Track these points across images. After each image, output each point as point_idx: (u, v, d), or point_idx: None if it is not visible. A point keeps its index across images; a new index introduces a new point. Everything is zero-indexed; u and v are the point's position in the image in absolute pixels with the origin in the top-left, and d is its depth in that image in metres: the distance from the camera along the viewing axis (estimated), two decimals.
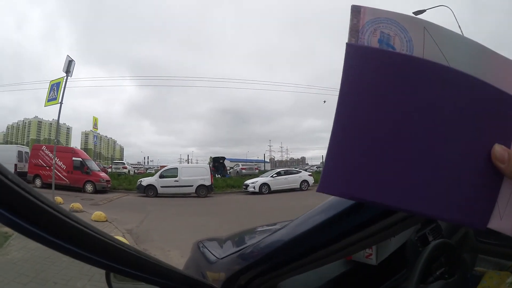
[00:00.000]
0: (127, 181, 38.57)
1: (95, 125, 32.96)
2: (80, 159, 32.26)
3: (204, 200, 28.60)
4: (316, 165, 72.46)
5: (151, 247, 11.03)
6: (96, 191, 30.61)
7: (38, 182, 30.55)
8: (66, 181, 30.65)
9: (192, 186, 31.19)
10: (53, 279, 6.53)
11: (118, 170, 57.91)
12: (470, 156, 0.72)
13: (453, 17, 24.40)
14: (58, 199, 19.61)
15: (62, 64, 21.21)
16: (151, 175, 38.25)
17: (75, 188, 30.22)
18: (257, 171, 53.70)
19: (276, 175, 34.12)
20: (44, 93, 22.15)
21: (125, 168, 65.00)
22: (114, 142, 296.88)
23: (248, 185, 33.68)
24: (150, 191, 30.67)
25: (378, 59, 0.72)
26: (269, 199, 27.43)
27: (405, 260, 1.91)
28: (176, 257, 9.51)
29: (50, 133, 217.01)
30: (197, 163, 66.97)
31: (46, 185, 26.72)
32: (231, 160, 71.41)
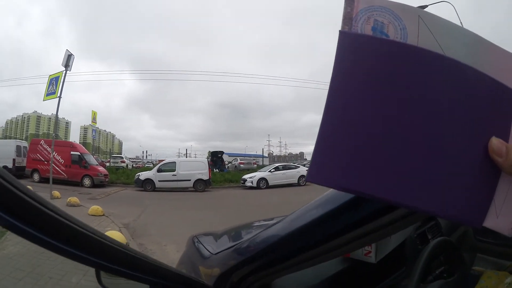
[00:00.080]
0: (125, 175, 38.59)
1: (94, 119, 33.03)
2: (78, 153, 32.32)
3: (201, 195, 28.72)
4: None
5: (147, 241, 11.06)
6: (94, 185, 30.66)
7: (36, 176, 30.94)
8: (64, 175, 30.78)
9: (190, 180, 31.20)
10: (48, 274, 6.55)
11: (116, 164, 58.08)
12: (466, 149, 0.69)
13: (454, 13, 24.32)
14: (56, 193, 19.79)
15: (62, 59, 21.23)
16: (149, 169, 38.51)
17: (73, 182, 30.29)
18: (255, 165, 53.95)
19: (274, 170, 34.06)
20: (43, 88, 22.20)
21: (123, 162, 65.16)
22: (113, 136, 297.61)
23: (246, 180, 33.69)
24: (148, 185, 30.67)
25: (371, 47, 0.71)
26: (267, 194, 27.48)
27: (404, 258, 1.88)
28: (172, 252, 9.50)
29: (49, 128, 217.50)
30: (195, 157, 67.05)
31: (44, 180, 26.78)
32: (230, 155, 71.79)
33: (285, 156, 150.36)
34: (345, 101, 0.69)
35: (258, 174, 34.03)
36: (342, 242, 1.07)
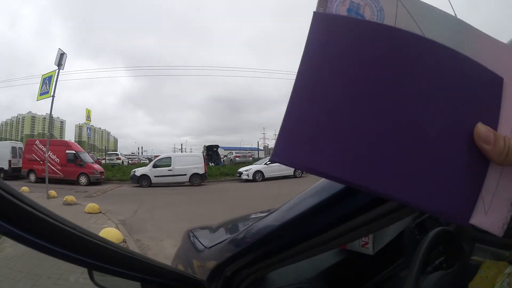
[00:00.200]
0: (121, 172, 38.88)
1: (88, 117, 32.92)
2: (74, 151, 32.27)
3: (197, 189, 28.62)
4: None
5: (144, 237, 11.00)
6: (90, 183, 30.67)
7: (32, 177, 30.93)
8: (60, 174, 30.74)
9: (185, 175, 31.33)
10: (46, 274, 6.59)
11: (112, 161, 58.55)
12: (450, 136, 0.66)
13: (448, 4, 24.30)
14: (52, 193, 19.79)
15: (55, 58, 21.13)
16: (145, 165, 38.07)
17: (70, 181, 30.29)
18: (250, 158, 54.51)
19: (269, 162, 33.74)
20: (37, 88, 22.24)
21: (119, 159, 65.62)
22: (108, 133, 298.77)
23: (242, 173, 33.76)
24: (144, 181, 30.75)
25: (344, 27, 0.69)
26: (263, 187, 26.99)
27: (403, 248, 1.85)
28: (169, 247, 9.31)
29: (44, 128, 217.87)
30: (191, 152, 67.20)
31: (41, 180, 26.79)
32: (225, 149, 71.90)
33: None
34: (315, 80, 0.67)
35: (253, 167, 34.05)
36: (337, 233, 1.05)
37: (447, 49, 0.68)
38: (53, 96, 20.72)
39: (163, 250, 9.47)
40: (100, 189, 27.24)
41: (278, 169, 32.05)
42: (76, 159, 31.46)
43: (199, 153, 39.71)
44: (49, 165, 23.35)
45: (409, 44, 0.67)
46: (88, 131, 43.00)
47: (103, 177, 33.02)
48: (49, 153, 24.33)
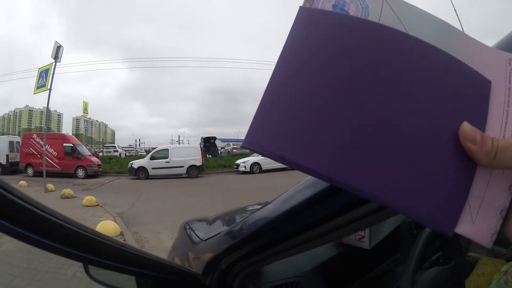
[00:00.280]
0: (119, 164, 39.20)
1: (85, 110, 32.80)
2: (71, 144, 32.41)
3: (195, 181, 28.76)
4: None
5: (142, 229, 11.03)
6: (87, 176, 30.85)
7: (30, 171, 31.10)
8: (57, 167, 31.02)
9: (183, 167, 31.42)
10: (44, 269, 6.62)
11: (109, 154, 58.71)
12: (434, 136, 0.63)
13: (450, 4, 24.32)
14: (50, 186, 19.82)
15: (51, 50, 21.09)
16: (142, 157, 38.70)
17: (67, 174, 30.53)
18: (248, 150, 54.04)
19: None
20: (34, 81, 22.23)
21: (116, 151, 65.83)
22: (105, 126, 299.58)
23: (239, 165, 33.88)
24: (141, 173, 30.90)
25: (327, 21, 0.68)
26: (260, 178, 27.28)
27: (400, 243, 1.84)
28: (166, 239, 9.45)
29: (41, 121, 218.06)
30: (188, 143, 67.13)
31: (39, 173, 26.71)
32: (223, 140, 71.91)
33: None
34: (293, 69, 0.66)
35: (251, 159, 33.81)
36: (333, 226, 1.04)
37: (432, 47, 0.67)
38: (50, 90, 20.73)
39: (160, 242, 9.48)
40: (97, 182, 27.36)
41: None
42: (73, 152, 31.59)
43: (196, 145, 40.05)
44: (46, 159, 23.40)
45: (392, 40, 0.67)
46: (85, 124, 42.96)
47: (100, 169, 33.09)
48: (47, 146, 24.35)
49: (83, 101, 32.73)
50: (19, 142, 34.67)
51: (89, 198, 15.29)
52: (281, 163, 0.62)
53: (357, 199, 0.92)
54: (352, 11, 0.69)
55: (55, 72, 21.06)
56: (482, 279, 1.21)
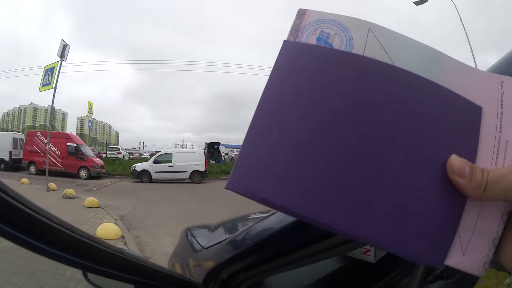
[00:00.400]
0: (122, 167, 38.77)
1: (90, 110, 32.88)
2: (75, 144, 32.31)
3: (198, 186, 28.60)
4: None
5: (143, 233, 10.95)
6: (90, 177, 30.64)
7: (33, 168, 30.93)
8: (60, 167, 30.84)
9: (186, 171, 31.27)
10: (43, 268, 6.57)
11: (113, 156, 58.80)
12: (421, 169, 0.61)
13: (454, 8, 24.32)
14: (52, 185, 19.82)
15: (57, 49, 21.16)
16: (146, 160, 38.41)
17: (70, 174, 30.43)
18: None
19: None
20: (39, 79, 22.31)
21: (120, 153, 65.89)
22: (110, 127, 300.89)
23: None
24: (144, 176, 30.75)
25: (310, 54, 0.68)
26: None
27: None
28: (167, 244, 9.28)
29: (46, 119, 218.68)
30: (192, 148, 67.32)
31: (41, 172, 26.81)
32: (226, 146, 72.05)
33: None
34: (275, 108, 0.65)
35: None
36: (339, 240, 1.02)
37: (419, 77, 0.66)
38: (55, 88, 20.82)
39: (161, 247, 9.41)
40: (100, 183, 27.13)
41: None
42: (77, 152, 31.46)
43: (200, 150, 39.71)
44: (49, 158, 23.53)
45: (377, 73, 0.65)
46: (90, 124, 43.14)
47: (103, 171, 32.92)
48: (50, 145, 24.42)
49: (88, 101, 32.85)
50: (22, 139, 34.75)
51: (91, 199, 15.23)
52: (265, 205, 0.62)
53: None
54: (336, 43, 0.69)
55: (60, 71, 21.12)
56: None
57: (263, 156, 0.62)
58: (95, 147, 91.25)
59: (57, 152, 31.08)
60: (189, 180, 31.02)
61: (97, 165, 31.95)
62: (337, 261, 1.84)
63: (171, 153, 32.42)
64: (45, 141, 28.25)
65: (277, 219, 1.24)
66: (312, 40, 0.70)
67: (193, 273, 1.81)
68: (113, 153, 63.47)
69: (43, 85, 21.54)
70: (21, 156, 32.71)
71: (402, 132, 0.62)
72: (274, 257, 1.21)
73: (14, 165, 32.02)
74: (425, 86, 0.65)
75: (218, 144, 59.05)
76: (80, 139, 36.19)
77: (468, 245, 0.60)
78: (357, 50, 0.68)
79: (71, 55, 21.56)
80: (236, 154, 56.35)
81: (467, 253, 0.59)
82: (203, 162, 31.70)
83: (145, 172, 30.86)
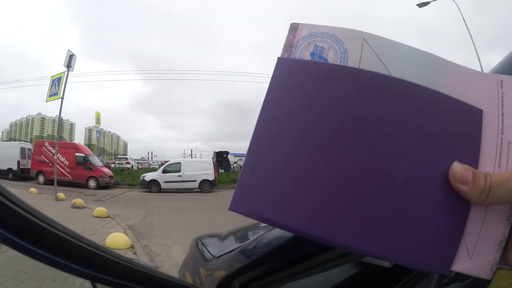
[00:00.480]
0: (130, 177, 38.80)
1: (97, 120, 33.08)
2: (83, 154, 32.28)
3: (207, 195, 28.53)
4: None
5: (153, 243, 10.97)
6: (99, 187, 30.63)
7: (41, 178, 30.88)
8: (69, 177, 30.69)
9: (195, 181, 31.02)
10: (51, 277, 6.43)
11: (121, 166, 59.19)
12: (424, 179, 0.61)
13: (457, 9, 24.35)
14: (61, 195, 19.83)
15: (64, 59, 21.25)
16: (155, 170, 38.05)
17: (78, 184, 30.33)
18: None
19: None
20: (46, 89, 22.46)
21: (129, 163, 66.45)
22: (118, 137, 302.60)
23: None
24: (153, 186, 30.62)
25: (306, 71, 0.68)
26: None
27: None
28: (177, 254, 9.35)
29: (54, 130, 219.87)
30: (201, 157, 67.58)
31: (49, 182, 27.06)
32: (235, 155, 72.09)
33: None
34: (273, 128, 0.65)
35: None
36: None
37: (417, 86, 0.65)
38: (62, 98, 20.93)
39: (171, 257, 9.40)
40: (109, 193, 27.25)
41: None
42: (85, 162, 31.57)
43: (209, 159, 39.90)
44: (58, 168, 23.71)
45: (374, 85, 0.65)
46: (98, 134, 43.34)
47: (112, 181, 32.98)
48: (58, 155, 24.53)
49: (96, 112, 33.05)
50: (30, 149, 34.96)
51: (100, 209, 15.22)
52: (269, 225, 0.66)
53: None
54: (331, 57, 0.69)
55: (67, 81, 21.18)
56: None
57: (264, 176, 0.63)
58: (103, 157, 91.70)
59: (66, 162, 31.09)
60: (198, 190, 30.88)
61: (106, 175, 32.02)
62: (352, 267, 1.81)
63: (180, 163, 32.44)
64: (53, 151, 28.44)
65: None
66: (306, 55, 0.70)
67: (204, 282, 1.79)
68: (122, 163, 64.00)
69: (50, 95, 21.74)
70: (29, 166, 32.65)
71: (402, 144, 0.62)
72: (287, 266, 1.19)
73: (22, 175, 32.04)
74: (423, 95, 0.64)
75: (227, 153, 59.23)
76: (88, 149, 36.42)
77: (474, 249, 0.60)
78: (352, 62, 0.67)
79: (77, 65, 21.70)
80: None
81: (474, 257, 0.59)
82: (212, 171, 31.76)
83: (154, 182, 30.81)
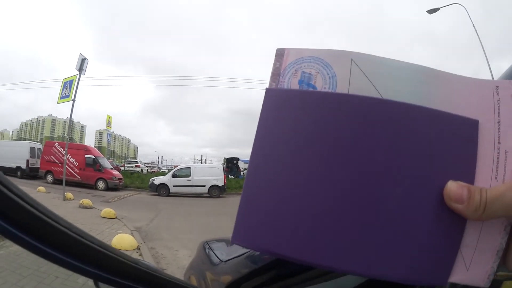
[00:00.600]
0: (140, 180, 38.96)
1: (108, 124, 33.36)
2: (93, 156, 32.48)
3: (216, 201, 28.38)
4: None
5: (159, 246, 10.98)
6: (108, 189, 30.74)
7: (50, 178, 31.20)
8: (78, 177, 30.98)
9: (204, 186, 31.04)
10: (54, 273, 6.67)
11: (131, 169, 59.55)
12: (418, 199, 0.61)
13: (467, 15, 24.33)
14: (68, 195, 19.95)
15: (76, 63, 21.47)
16: (164, 174, 38.48)
17: (87, 185, 30.58)
18: None
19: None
20: (57, 92, 22.72)
21: (138, 166, 66.91)
22: (128, 141, 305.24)
23: None
24: (162, 190, 30.66)
25: (295, 102, 0.68)
26: None
27: None
28: (184, 257, 9.39)
29: (64, 131, 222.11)
30: (211, 163, 67.80)
31: (58, 181, 27.17)
32: (245, 162, 72.21)
33: None
34: (267, 162, 0.66)
35: None
36: None
37: (407, 106, 0.64)
38: (73, 100, 21.14)
39: (177, 260, 9.43)
40: (117, 195, 27.43)
41: None
42: (95, 164, 31.80)
43: (219, 165, 39.92)
44: (67, 168, 23.81)
45: (363, 110, 0.64)
46: (108, 137, 43.62)
47: (121, 183, 33.14)
48: (68, 156, 24.61)
49: (107, 115, 33.44)
50: (40, 148, 35.44)
51: (107, 210, 15.26)
52: (270, 255, 0.68)
53: None
54: (319, 83, 0.68)
55: (79, 84, 21.52)
56: None
57: (262, 209, 0.64)
58: (113, 160, 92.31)
59: (75, 163, 31.31)
60: (207, 195, 30.84)
61: (115, 177, 32.14)
62: None
63: (190, 168, 32.50)
64: (62, 151, 28.57)
65: None
66: (294, 84, 0.69)
67: (210, 286, 1.77)
68: (132, 166, 64.37)
69: (61, 97, 21.97)
70: (38, 165, 33.01)
71: (396, 167, 0.61)
72: (296, 272, 1.15)
73: (31, 173, 32.36)
74: (415, 115, 0.63)
75: (237, 159, 59.54)
76: (98, 151, 36.70)
77: (471, 261, 0.61)
78: (341, 86, 0.67)
79: (90, 69, 21.91)
80: None
81: (471, 268, 0.60)
82: (222, 177, 31.72)
83: (163, 185, 30.87)
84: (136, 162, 76.76)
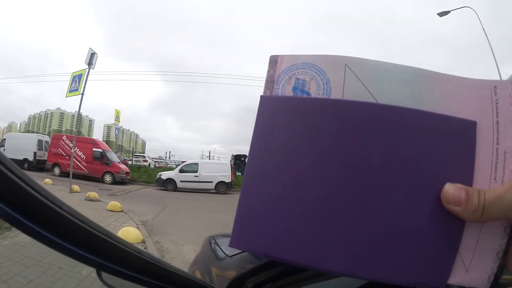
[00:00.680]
0: (147, 174, 39.11)
1: (117, 118, 33.34)
2: (100, 150, 32.58)
3: (223, 197, 28.04)
4: None
5: (164, 240, 10.96)
6: (115, 182, 30.89)
7: (57, 170, 31.37)
8: (85, 171, 31.12)
9: (212, 182, 30.96)
10: (58, 264, 6.71)
11: (138, 163, 59.93)
12: (416, 202, 0.61)
13: (477, 18, 24.30)
14: (75, 187, 20.10)
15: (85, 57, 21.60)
16: (172, 169, 38.78)
17: (94, 178, 30.76)
18: None
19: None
20: (66, 86, 22.84)
21: (146, 161, 67.30)
22: (137, 135, 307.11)
23: None
24: (169, 184, 30.74)
25: (289, 109, 0.69)
26: None
27: None
28: (189, 252, 9.38)
29: (72, 125, 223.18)
30: (219, 159, 67.97)
31: (65, 174, 27.40)
32: None
33: None
34: (262, 168, 0.67)
35: None
36: None
37: (403, 110, 0.64)
38: (82, 94, 21.30)
39: (182, 254, 9.47)
40: (124, 189, 27.53)
41: None
42: (102, 158, 31.90)
43: (226, 161, 39.99)
44: (74, 161, 23.98)
45: (357, 116, 0.65)
46: (117, 132, 44.03)
47: (128, 177, 33.22)
48: (76, 149, 24.71)
49: (116, 109, 33.38)
50: (48, 141, 35.98)
51: (114, 203, 15.33)
52: (268, 258, 0.72)
53: None
54: (313, 89, 0.69)
55: (88, 79, 21.65)
56: None
57: (259, 214, 0.65)
58: (121, 154, 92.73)
59: (83, 156, 31.45)
60: (214, 191, 30.92)
61: (122, 171, 32.28)
62: None
63: (197, 163, 32.52)
64: (70, 144, 28.76)
65: None
66: (289, 91, 0.70)
67: (215, 280, 1.75)
68: (139, 161, 64.83)
69: (70, 91, 22.06)
70: (45, 158, 33.19)
71: (394, 171, 0.62)
72: (303, 268, 1.11)
73: (38, 166, 32.58)
74: (411, 118, 0.64)
75: (245, 156, 59.44)
76: (106, 145, 36.81)
77: (470, 263, 0.61)
78: (335, 91, 0.67)
79: (99, 64, 22.05)
80: None
81: (471, 270, 0.61)
82: (229, 173, 31.65)
83: (170, 180, 30.96)
84: (144, 156, 77.31)
